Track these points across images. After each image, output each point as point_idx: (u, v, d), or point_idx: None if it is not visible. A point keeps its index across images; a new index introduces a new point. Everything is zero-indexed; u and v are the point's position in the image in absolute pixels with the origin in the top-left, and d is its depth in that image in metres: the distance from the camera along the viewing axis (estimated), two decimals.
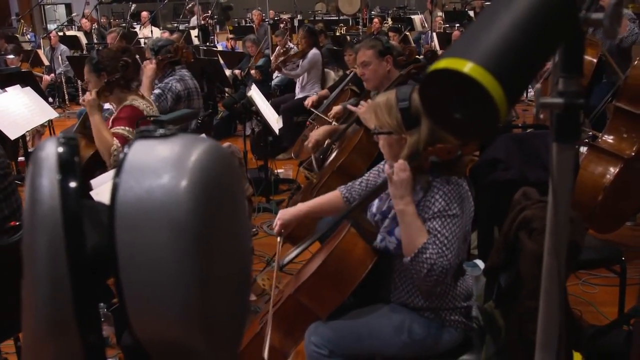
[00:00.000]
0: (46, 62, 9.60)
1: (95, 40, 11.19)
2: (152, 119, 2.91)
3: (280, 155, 6.07)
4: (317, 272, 1.96)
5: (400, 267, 1.98)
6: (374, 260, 1.98)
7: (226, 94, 6.73)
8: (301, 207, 2.33)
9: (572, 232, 1.69)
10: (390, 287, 2.03)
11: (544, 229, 1.06)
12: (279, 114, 5.23)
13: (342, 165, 3.25)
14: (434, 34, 9.28)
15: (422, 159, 1.90)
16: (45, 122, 4.83)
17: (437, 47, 8.63)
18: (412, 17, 12.47)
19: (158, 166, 0.62)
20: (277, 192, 5.07)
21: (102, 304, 2.68)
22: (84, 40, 10.87)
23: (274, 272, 2.14)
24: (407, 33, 9.54)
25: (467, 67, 0.68)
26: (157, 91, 4.07)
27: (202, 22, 10.44)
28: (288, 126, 5.70)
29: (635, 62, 3.55)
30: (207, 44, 9.90)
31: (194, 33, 10.09)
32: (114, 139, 2.85)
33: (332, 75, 6.67)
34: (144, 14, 11.91)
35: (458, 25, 10.64)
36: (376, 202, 2.16)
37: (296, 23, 10.91)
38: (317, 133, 3.73)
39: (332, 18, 15.04)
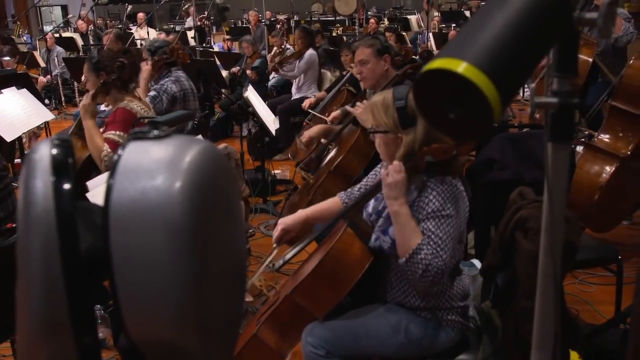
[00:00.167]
0: (42, 64, 9.58)
1: (91, 42, 11.17)
2: (147, 120, 2.90)
3: (277, 156, 6.07)
4: (314, 272, 1.95)
5: (396, 267, 1.98)
6: (370, 260, 1.98)
7: (223, 95, 6.72)
8: (301, 213, 2.34)
9: (568, 232, 1.69)
10: (387, 287, 2.03)
11: (540, 228, 1.06)
12: (275, 114, 5.23)
13: (339, 166, 3.25)
14: (430, 34, 9.29)
15: (418, 159, 1.91)
16: (42, 124, 4.82)
17: (434, 47, 8.63)
18: (409, 17, 12.49)
19: (152, 167, 0.62)
20: (274, 193, 5.07)
21: (98, 306, 2.68)
22: (80, 42, 10.85)
23: (270, 273, 2.14)
24: (404, 33, 9.56)
25: (461, 67, 0.68)
26: (152, 93, 4.06)
27: (198, 23, 10.44)
28: (285, 127, 5.70)
29: (631, 62, 3.56)
30: (204, 45, 9.89)
31: (191, 34, 10.09)
32: (105, 144, 2.85)
33: (329, 76, 6.67)
34: (140, 15, 11.90)
35: (454, 25, 10.66)
36: (372, 202, 2.16)
37: (292, 24, 10.90)
38: (311, 130, 3.73)
39: (328, 18, 15.06)
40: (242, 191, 3.31)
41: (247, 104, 4.70)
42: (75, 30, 12.51)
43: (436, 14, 11.81)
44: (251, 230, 4.28)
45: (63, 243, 0.60)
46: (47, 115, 4.46)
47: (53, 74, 9.19)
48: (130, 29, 11.17)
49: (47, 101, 8.62)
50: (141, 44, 8.46)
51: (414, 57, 5.01)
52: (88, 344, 0.63)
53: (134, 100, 3.05)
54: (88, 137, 2.89)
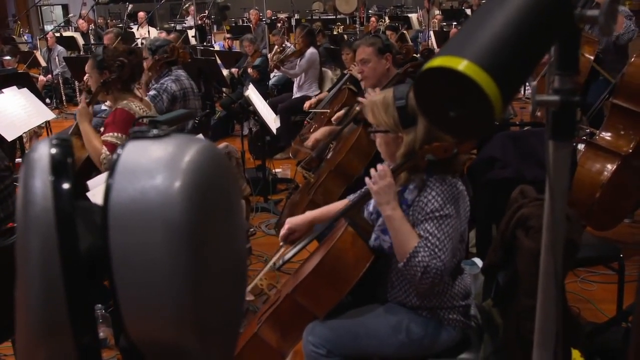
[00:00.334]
0: (43, 63, 9.58)
1: (92, 41, 11.17)
2: (147, 119, 2.90)
3: (278, 155, 6.06)
4: (315, 271, 1.95)
5: (397, 267, 1.98)
6: (371, 260, 1.97)
7: (224, 94, 6.72)
8: (309, 214, 2.34)
9: (570, 230, 1.69)
10: (388, 287, 2.03)
11: (541, 227, 1.06)
12: (276, 113, 5.23)
13: (340, 165, 3.24)
14: (431, 32, 9.28)
15: (419, 158, 1.90)
16: (43, 123, 4.82)
17: (435, 46, 8.63)
18: (410, 15, 12.48)
19: (151, 167, 0.61)
20: (275, 192, 5.07)
21: (99, 305, 2.68)
22: (81, 41, 10.86)
23: (271, 272, 2.14)
24: (405, 32, 9.54)
25: (461, 65, 0.68)
26: (152, 92, 4.06)
27: (199, 22, 10.43)
28: (286, 126, 5.70)
29: (632, 59, 3.55)
30: (204, 43, 9.89)
31: (191, 33, 10.08)
32: (103, 147, 2.84)
33: (330, 75, 6.66)
34: (141, 14, 11.89)
35: (455, 23, 10.65)
36: (373, 200, 2.16)
37: (293, 22, 10.90)
38: (318, 133, 3.74)
39: (329, 17, 15.06)
40: (243, 190, 3.31)
41: (248, 102, 4.70)
42: (76, 29, 12.52)
43: (437, 12, 11.80)
44: (252, 229, 4.28)
45: (62, 242, 0.60)
46: (48, 114, 4.45)
47: (54, 73, 9.19)
48: (131, 28, 11.16)
49: (48, 100, 8.62)
50: (142, 43, 8.45)
51: (415, 55, 5.00)
52: (88, 344, 0.63)
53: (134, 101, 3.05)
54: (86, 140, 2.90)
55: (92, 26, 12.47)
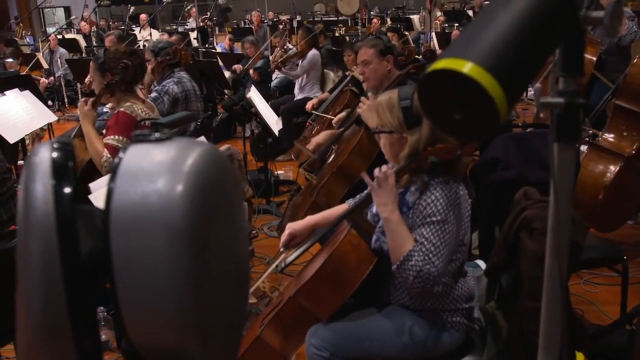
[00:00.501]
0: (45, 66, 9.59)
1: (94, 43, 11.19)
2: (149, 122, 2.89)
3: (280, 157, 6.06)
4: (317, 274, 1.95)
5: None
6: (374, 262, 1.97)
7: (225, 96, 6.72)
8: (309, 219, 2.34)
9: (574, 232, 1.68)
10: (391, 289, 2.02)
11: (545, 229, 1.05)
12: (278, 115, 5.22)
13: (342, 166, 3.24)
14: (433, 33, 9.27)
15: (422, 159, 1.90)
16: (45, 125, 4.82)
17: (437, 47, 8.62)
18: (411, 17, 12.47)
19: (153, 170, 0.61)
20: (277, 194, 5.06)
21: (102, 308, 2.68)
22: (83, 43, 10.87)
23: (274, 275, 2.13)
24: (406, 33, 9.54)
25: (466, 67, 0.67)
26: (153, 94, 4.06)
27: (201, 24, 10.44)
28: (287, 127, 5.69)
29: (635, 60, 3.54)
30: (206, 45, 9.89)
31: (193, 35, 10.09)
32: (105, 149, 2.84)
33: (332, 76, 6.66)
34: (143, 16, 11.91)
35: (457, 25, 10.64)
36: None
37: (295, 24, 10.90)
38: (319, 137, 3.73)
39: (331, 19, 15.07)
40: (245, 192, 3.31)
41: (250, 104, 4.69)
42: (78, 31, 12.53)
43: (439, 13, 11.79)
44: (254, 232, 4.28)
45: (63, 247, 0.60)
46: (50, 116, 4.45)
47: (56, 75, 9.20)
48: (133, 30, 11.18)
49: (50, 103, 8.63)
50: (144, 45, 8.46)
51: (417, 57, 4.99)
52: (89, 348, 0.63)
53: (137, 103, 3.04)
54: (88, 142, 2.90)
55: (94, 28, 12.47)
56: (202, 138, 3.08)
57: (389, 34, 8.41)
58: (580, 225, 1.81)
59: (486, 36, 0.72)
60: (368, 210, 2.22)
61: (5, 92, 4.14)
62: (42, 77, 9.04)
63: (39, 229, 0.60)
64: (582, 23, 0.85)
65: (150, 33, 10.25)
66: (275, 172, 5.36)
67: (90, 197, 2.22)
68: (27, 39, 13.79)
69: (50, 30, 13.07)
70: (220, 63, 7.18)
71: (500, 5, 0.76)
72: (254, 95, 4.68)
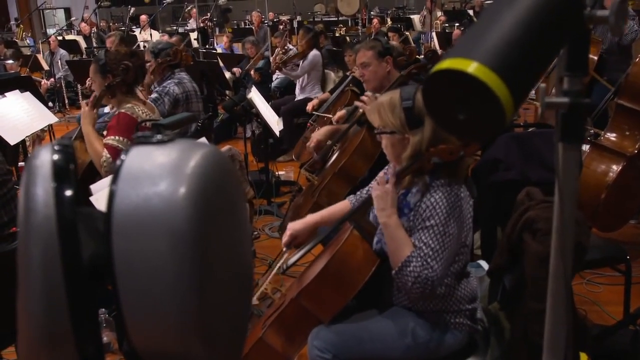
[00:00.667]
0: (46, 67, 9.59)
1: (94, 44, 11.19)
2: (149, 123, 2.89)
3: (281, 157, 6.06)
4: (320, 275, 1.94)
5: None
6: (376, 263, 1.96)
7: (226, 97, 6.71)
8: (310, 218, 2.33)
9: (578, 233, 1.67)
10: (393, 290, 2.01)
11: (548, 229, 1.05)
12: (279, 115, 5.22)
13: (344, 167, 3.23)
14: (434, 33, 9.26)
15: (425, 160, 1.89)
16: (45, 127, 4.81)
17: (437, 47, 8.61)
18: (412, 17, 12.46)
19: (155, 173, 0.60)
20: (278, 195, 5.06)
21: (103, 309, 2.67)
22: (83, 45, 10.87)
23: (276, 276, 2.13)
24: (407, 33, 9.53)
25: (471, 67, 0.66)
26: (154, 95, 4.05)
27: (201, 24, 10.42)
28: (288, 128, 5.69)
29: (637, 60, 3.53)
30: (207, 46, 9.88)
31: (193, 36, 10.08)
32: (104, 149, 2.83)
33: (332, 76, 6.65)
34: (143, 17, 11.91)
35: (457, 24, 10.63)
36: None
37: (295, 24, 10.90)
38: (318, 133, 3.71)
39: (331, 19, 15.05)
40: (246, 193, 3.30)
41: (251, 105, 4.68)
42: (79, 32, 12.54)
43: (439, 13, 11.78)
44: (256, 233, 4.27)
45: (64, 251, 0.59)
46: (50, 118, 4.45)
47: (56, 76, 9.19)
48: (133, 31, 11.17)
49: (50, 104, 8.62)
50: (144, 46, 8.45)
51: (417, 57, 4.99)
52: (91, 352, 0.62)
53: (138, 104, 3.03)
54: (87, 143, 2.89)
55: (94, 29, 12.48)
56: (203, 139, 3.08)
57: (390, 34, 8.40)
58: (584, 225, 1.80)
59: (491, 36, 0.71)
60: (370, 211, 2.21)
61: (6, 94, 4.14)
62: (42, 78, 9.03)
63: (39, 233, 0.59)
64: (587, 22, 0.85)
65: (151, 34, 10.25)
66: (276, 173, 5.35)
67: (92, 198, 2.22)
68: (28, 41, 13.78)
69: (50, 31, 13.05)
70: (221, 64, 7.17)
71: (505, 4, 0.75)
72: (254, 95, 4.67)
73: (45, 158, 0.61)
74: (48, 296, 0.59)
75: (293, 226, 2.28)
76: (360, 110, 3.33)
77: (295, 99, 6.32)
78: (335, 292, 1.95)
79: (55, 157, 0.61)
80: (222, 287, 0.68)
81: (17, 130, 3.97)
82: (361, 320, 2.00)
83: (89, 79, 3.27)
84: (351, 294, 1.94)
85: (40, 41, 11.60)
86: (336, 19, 14.87)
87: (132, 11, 12.94)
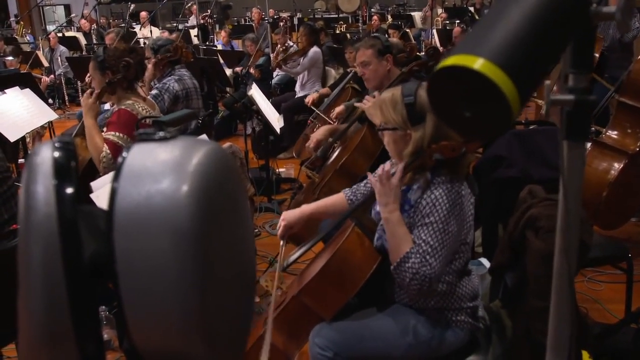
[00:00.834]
0: (45, 64, 9.58)
1: (94, 41, 11.17)
2: (149, 120, 2.88)
3: (282, 155, 6.05)
4: (321, 273, 1.93)
5: None
6: (378, 261, 1.95)
7: (227, 94, 6.70)
8: (305, 208, 2.31)
9: (580, 231, 1.66)
10: (395, 288, 2.00)
11: (551, 227, 1.04)
12: (279, 113, 5.21)
13: (345, 164, 3.22)
14: (434, 30, 9.24)
15: (426, 157, 1.88)
16: (45, 123, 4.80)
17: (438, 44, 8.59)
18: (412, 14, 12.44)
19: (157, 170, 0.59)
20: (278, 192, 5.05)
21: (103, 307, 2.66)
22: (83, 41, 10.86)
23: (276, 273, 2.12)
24: (407, 30, 9.51)
25: (477, 63, 0.66)
26: (154, 92, 4.04)
27: (201, 21, 10.40)
28: (289, 125, 5.68)
29: (638, 57, 3.52)
30: (207, 43, 9.86)
31: (194, 32, 10.06)
32: (104, 144, 2.82)
33: (333, 73, 6.64)
34: (143, 14, 11.88)
35: (458, 21, 10.60)
36: None
37: (296, 21, 10.87)
38: (317, 133, 3.71)
39: (331, 16, 15.03)
40: (246, 190, 3.29)
41: (251, 102, 4.67)
42: (78, 29, 12.53)
43: (440, 10, 11.76)
44: (256, 230, 4.27)
45: (65, 249, 0.58)
46: (50, 115, 4.44)
47: (56, 73, 9.18)
48: (133, 28, 11.15)
49: (50, 101, 8.61)
50: (144, 43, 8.44)
51: (418, 54, 4.97)
52: (92, 351, 0.61)
53: (138, 101, 3.02)
54: (88, 136, 2.87)
55: (94, 26, 12.46)
56: (204, 136, 3.07)
57: (390, 31, 8.39)
58: (587, 224, 1.79)
59: (497, 32, 0.70)
60: (372, 208, 2.20)
61: (6, 90, 4.13)
62: (42, 75, 9.02)
63: (40, 231, 0.58)
64: (593, 18, 0.84)
65: (151, 30, 10.23)
66: (277, 170, 5.34)
67: (92, 196, 2.21)
68: (28, 37, 13.77)
69: (50, 28, 13.04)
70: (221, 60, 7.16)
71: (511, 0, 0.74)
72: (255, 92, 4.66)
73: (46, 155, 0.60)
74: (49, 294, 0.59)
75: (286, 216, 2.26)
76: (363, 107, 3.32)
77: (296, 96, 6.31)
78: (336, 289, 1.94)
79: (56, 154, 0.60)
80: (225, 286, 0.67)
81: (17, 127, 3.96)
82: (363, 318, 2.00)
83: (88, 75, 3.26)
84: (353, 291, 1.93)
85: (40, 38, 11.60)
86: (336, 16, 14.85)
87: (132, 7, 12.93)
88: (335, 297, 1.95)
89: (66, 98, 9.54)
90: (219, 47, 9.42)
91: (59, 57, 9.31)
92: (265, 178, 4.88)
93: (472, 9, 11.82)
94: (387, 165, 1.93)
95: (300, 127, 5.51)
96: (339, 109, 4.28)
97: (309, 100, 5.51)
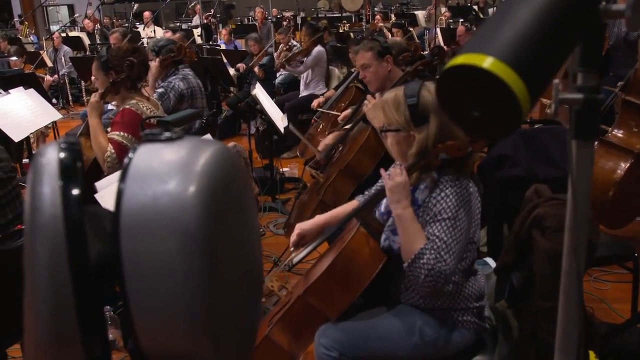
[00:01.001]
0: (49, 64, 9.59)
1: (98, 41, 11.19)
2: (154, 120, 2.87)
3: (286, 154, 6.04)
4: (326, 272, 1.92)
5: None
6: (383, 260, 1.95)
7: (230, 93, 6.70)
8: (319, 219, 2.31)
9: (588, 231, 1.65)
10: (401, 288, 1.99)
11: (557, 227, 1.03)
12: (283, 112, 5.20)
13: (349, 165, 3.21)
14: (438, 29, 9.23)
15: (432, 156, 1.87)
16: (49, 123, 4.81)
17: (442, 43, 8.57)
18: (416, 12, 12.43)
19: (164, 171, 0.59)
20: (283, 191, 5.04)
21: (108, 307, 2.66)
22: (86, 41, 10.88)
23: (282, 273, 2.12)
24: (411, 30, 9.49)
25: (486, 62, 0.65)
26: (160, 90, 4.05)
27: (205, 21, 10.41)
28: (292, 124, 5.66)
29: None
30: (210, 42, 9.86)
31: (197, 32, 10.07)
32: (109, 144, 2.82)
33: (337, 73, 6.63)
34: (147, 13, 11.90)
35: (462, 20, 10.59)
36: (385, 201, 2.13)
37: (299, 21, 10.86)
38: (328, 139, 3.72)
39: (334, 15, 15.03)
40: (252, 190, 3.29)
41: (255, 101, 4.67)
42: (82, 29, 12.56)
43: (444, 9, 11.74)
44: (261, 230, 4.26)
45: (71, 251, 0.58)
46: (54, 114, 4.45)
47: (60, 73, 9.19)
48: (137, 28, 11.16)
49: (54, 101, 8.63)
50: (147, 43, 8.44)
51: (422, 53, 4.96)
52: (98, 353, 0.61)
53: (142, 101, 3.02)
54: (92, 136, 2.87)
55: (97, 26, 12.48)
56: (208, 136, 3.06)
57: (394, 30, 8.37)
58: (594, 223, 1.78)
59: (506, 31, 0.70)
60: (376, 209, 2.20)
61: (10, 91, 4.14)
62: (46, 75, 9.04)
63: (46, 232, 0.58)
64: (603, 16, 0.83)
65: (154, 30, 10.23)
66: (281, 170, 5.34)
67: (97, 196, 2.21)
68: (31, 38, 13.80)
69: (54, 28, 13.09)
70: (225, 60, 7.16)
71: None
72: (259, 92, 4.65)
73: (51, 156, 0.60)
74: (54, 296, 0.59)
75: (301, 226, 2.27)
76: (364, 109, 3.31)
77: (300, 96, 6.31)
78: (342, 289, 1.94)
79: (62, 155, 0.60)
80: (232, 286, 0.67)
81: (21, 127, 3.97)
82: (368, 318, 1.99)
83: (94, 77, 3.26)
84: (358, 291, 1.93)
85: (43, 38, 11.61)
86: (340, 15, 14.85)
87: (135, 7, 12.96)
88: (341, 297, 1.94)
89: (70, 98, 9.55)
90: (223, 46, 9.42)
91: (62, 57, 9.32)
92: (269, 177, 4.87)
93: (475, 7, 11.80)
94: (397, 164, 1.92)
95: (304, 127, 5.50)
96: (346, 112, 4.28)
97: (314, 104, 5.50)
